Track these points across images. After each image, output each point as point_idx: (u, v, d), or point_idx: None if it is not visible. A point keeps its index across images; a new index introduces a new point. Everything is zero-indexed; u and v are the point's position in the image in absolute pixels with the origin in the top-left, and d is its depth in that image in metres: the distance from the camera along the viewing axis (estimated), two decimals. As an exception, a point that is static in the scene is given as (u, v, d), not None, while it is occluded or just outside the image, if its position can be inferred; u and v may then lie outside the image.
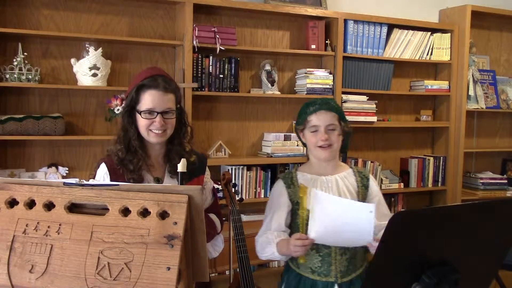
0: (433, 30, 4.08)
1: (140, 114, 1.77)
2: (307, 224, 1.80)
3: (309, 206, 1.78)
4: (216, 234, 1.95)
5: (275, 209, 2.01)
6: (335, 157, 2.03)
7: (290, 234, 1.96)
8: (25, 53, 2.96)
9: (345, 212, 1.74)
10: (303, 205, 1.85)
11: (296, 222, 1.97)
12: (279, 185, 2.05)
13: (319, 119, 1.95)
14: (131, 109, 1.80)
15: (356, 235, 1.75)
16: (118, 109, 3.07)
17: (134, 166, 1.78)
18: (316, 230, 1.76)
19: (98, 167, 1.84)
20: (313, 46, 3.67)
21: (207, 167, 2.00)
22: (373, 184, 2.04)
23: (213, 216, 1.93)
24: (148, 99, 1.76)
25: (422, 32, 4.02)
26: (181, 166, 1.55)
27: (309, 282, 1.96)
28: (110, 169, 1.80)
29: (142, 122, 1.77)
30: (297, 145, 3.65)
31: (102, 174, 1.81)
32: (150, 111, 1.76)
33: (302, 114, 2.00)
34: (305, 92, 3.64)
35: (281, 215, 1.98)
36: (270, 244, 1.93)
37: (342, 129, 1.98)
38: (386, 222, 1.92)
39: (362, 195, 2.00)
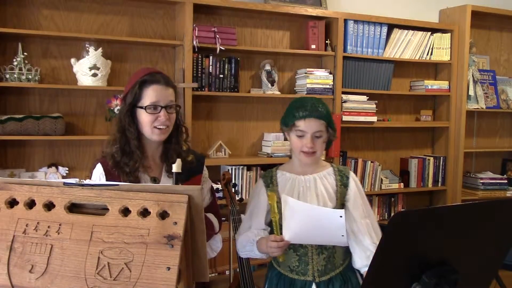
0: (433, 30, 4.08)
1: (145, 109, 1.75)
2: (281, 226, 1.82)
3: (282, 211, 1.81)
4: (214, 234, 1.94)
5: (254, 208, 2.03)
6: (317, 161, 2.03)
7: (271, 232, 1.97)
8: (25, 53, 2.96)
9: (316, 217, 1.77)
10: (274, 210, 1.84)
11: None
12: (259, 184, 2.06)
13: (306, 126, 1.92)
14: (132, 108, 1.78)
15: (329, 237, 1.79)
16: (118, 109, 3.07)
17: (130, 168, 1.75)
18: (290, 233, 1.80)
19: (94, 167, 1.83)
20: (313, 46, 3.67)
21: (205, 167, 1.99)
22: (353, 182, 2.01)
23: (210, 216, 1.93)
24: (152, 94, 1.75)
25: (422, 32, 4.02)
26: (176, 167, 1.54)
27: (288, 280, 1.97)
28: (106, 170, 1.79)
29: (146, 118, 1.76)
30: (297, 145, 3.65)
31: (98, 175, 1.79)
32: (154, 106, 1.75)
33: (290, 116, 1.97)
34: (305, 92, 3.64)
35: (260, 214, 2.00)
36: (250, 242, 1.95)
37: (328, 137, 1.97)
38: (366, 222, 1.92)
39: (341, 194, 1.98)
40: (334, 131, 2.00)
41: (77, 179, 1.21)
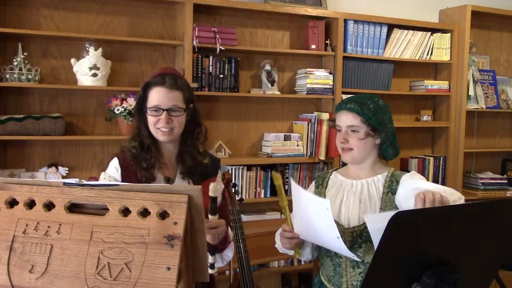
0: (433, 30, 4.08)
1: (147, 111, 1.78)
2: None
3: (293, 199, 1.69)
4: (229, 244, 1.88)
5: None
6: (363, 161, 1.86)
7: None
8: (25, 53, 2.96)
9: (309, 206, 1.64)
10: (281, 196, 1.72)
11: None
12: (311, 185, 2.00)
13: (340, 119, 1.84)
14: (140, 107, 1.82)
15: (327, 238, 1.63)
16: (118, 109, 3.07)
17: (148, 163, 1.78)
18: (295, 222, 1.71)
19: (111, 160, 1.86)
20: (313, 46, 3.67)
21: (219, 170, 1.96)
22: (402, 186, 1.78)
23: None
24: (154, 96, 1.77)
25: (422, 32, 4.02)
26: (212, 191, 1.51)
27: None
28: (122, 165, 1.81)
29: (150, 119, 1.79)
30: (297, 145, 3.65)
31: (113, 168, 1.82)
32: (156, 108, 1.76)
33: (334, 112, 1.92)
34: (305, 92, 3.64)
35: None
36: (277, 236, 1.87)
37: (367, 133, 1.79)
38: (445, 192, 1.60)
39: (385, 202, 1.78)
40: (380, 128, 1.80)
41: (77, 179, 1.21)
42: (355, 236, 1.79)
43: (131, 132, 1.90)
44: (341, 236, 1.60)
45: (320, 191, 1.93)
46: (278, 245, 1.87)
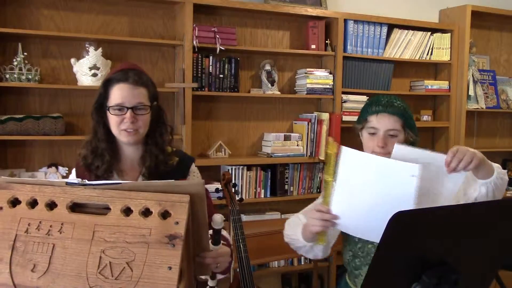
0: (433, 30, 4.09)
1: (109, 110, 1.63)
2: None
3: (339, 170, 1.46)
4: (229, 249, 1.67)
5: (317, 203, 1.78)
6: None
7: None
8: (25, 53, 2.96)
9: (380, 176, 1.39)
10: (329, 168, 1.49)
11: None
12: None
13: (379, 121, 1.72)
14: (100, 107, 1.67)
15: (389, 209, 1.24)
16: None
17: (101, 172, 1.64)
18: (338, 204, 1.46)
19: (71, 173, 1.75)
20: (313, 46, 3.67)
21: (196, 171, 1.83)
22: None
23: (224, 232, 1.60)
24: (117, 94, 1.61)
25: (422, 32, 4.02)
26: (217, 223, 1.39)
27: None
28: (78, 175, 1.68)
29: (112, 120, 1.63)
30: (297, 145, 3.65)
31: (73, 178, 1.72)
32: (120, 107, 1.61)
33: (363, 111, 1.79)
34: (305, 92, 3.64)
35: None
36: (296, 224, 1.73)
37: (406, 138, 1.73)
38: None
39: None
40: (414, 133, 1.76)
41: (79, 179, 1.21)
42: None
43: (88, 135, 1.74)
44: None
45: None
46: (295, 235, 1.71)
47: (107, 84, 1.65)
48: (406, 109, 1.75)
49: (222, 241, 1.49)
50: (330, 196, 1.49)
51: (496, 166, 1.60)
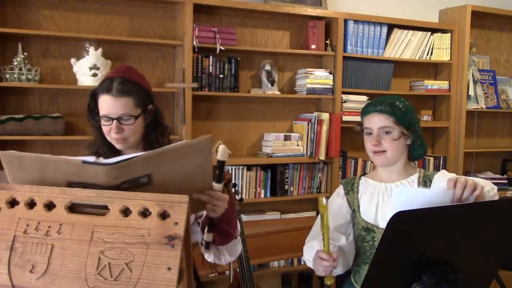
0: (433, 30, 4.09)
1: (99, 120, 1.68)
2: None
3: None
4: (235, 238, 1.66)
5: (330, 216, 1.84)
6: (395, 163, 1.84)
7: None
8: (25, 53, 2.96)
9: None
10: (324, 222, 1.58)
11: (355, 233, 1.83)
12: (339, 190, 1.94)
13: (370, 121, 1.81)
14: (91, 115, 1.72)
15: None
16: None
17: None
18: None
19: None
20: (313, 46, 3.67)
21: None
22: (434, 185, 1.78)
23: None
24: (103, 105, 1.65)
25: (422, 32, 4.02)
26: (220, 154, 1.37)
27: None
28: None
29: (103, 128, 1.68)
30: (297, 145, 3.65)
31: None
32: (106, 118, 1.65)
33: (361, 115, 1.88)
34: (305, 92, 3.64)
35: (334, 221, 1.81)
36: (312, 251, 1.76)
37: (400, 134, 1.79)
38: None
39: None
40: (413, 131, 1.82)
41: (95, 157, 1.19)
42: None
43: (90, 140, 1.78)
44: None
45: (352, 196, 1.89)
46: (309, 261, 1.80)
47: (94, 95, 1.69)
48: (400, 108, 1.79)
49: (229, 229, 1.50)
50: (328, 244, 1.59)
51: (491, 188, 1.62)
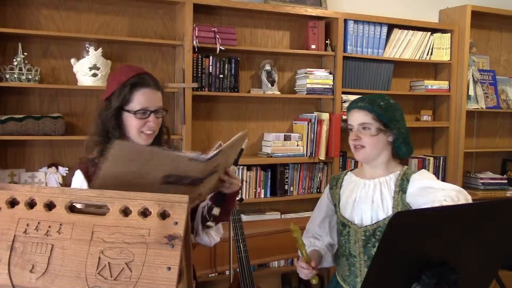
0: (433, 30, 4.09)
1: (134, 114, 1.67)
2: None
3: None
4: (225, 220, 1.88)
5: (315, 210, 2.02)
6: (376, 159, 1.87)
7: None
8: (25, 53, 2.96)
9: None
10: (298, 242, 1.73)
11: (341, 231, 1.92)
12: (327, 187, 2.03)
13: (351, 118, 1.88)
14: (119, 111, 1.69)
15: None
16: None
17: None
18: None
19: (73, 175, 1.73)
20: (313, 46, 3.67)
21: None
22: (412, 185, 1.78)
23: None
24: (142, 98, 1.68)
25: (422, 32, 4.02)
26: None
27: None
28: (87, 176, 1.67)
29: (134, 123, 1.68)
30: (297, 145, 3.65)
31: (79, 183, 1.68)
32: (144, 111, 1.68)
33: (346, 112, 1.96)
34: (305, 92, 3.64)
35: (315, 217, 2.00)
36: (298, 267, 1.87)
37: (379, 129, 1.81)
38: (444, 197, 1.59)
39: (397, 201, 1.78)
40: (391, 125, 1.82)
41: (199, 153, 1.30)
42: (368, 235, 1.81)
43: (89, 137, 1.76)
44: (354, 235, 1.82)
45: (334, 191, 1.96)
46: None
47: (132, 89, 1.68)
48: (380, 105, 1.83)
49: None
50: (307, 255, 1.78)
51: (465, 200, 1.61)
